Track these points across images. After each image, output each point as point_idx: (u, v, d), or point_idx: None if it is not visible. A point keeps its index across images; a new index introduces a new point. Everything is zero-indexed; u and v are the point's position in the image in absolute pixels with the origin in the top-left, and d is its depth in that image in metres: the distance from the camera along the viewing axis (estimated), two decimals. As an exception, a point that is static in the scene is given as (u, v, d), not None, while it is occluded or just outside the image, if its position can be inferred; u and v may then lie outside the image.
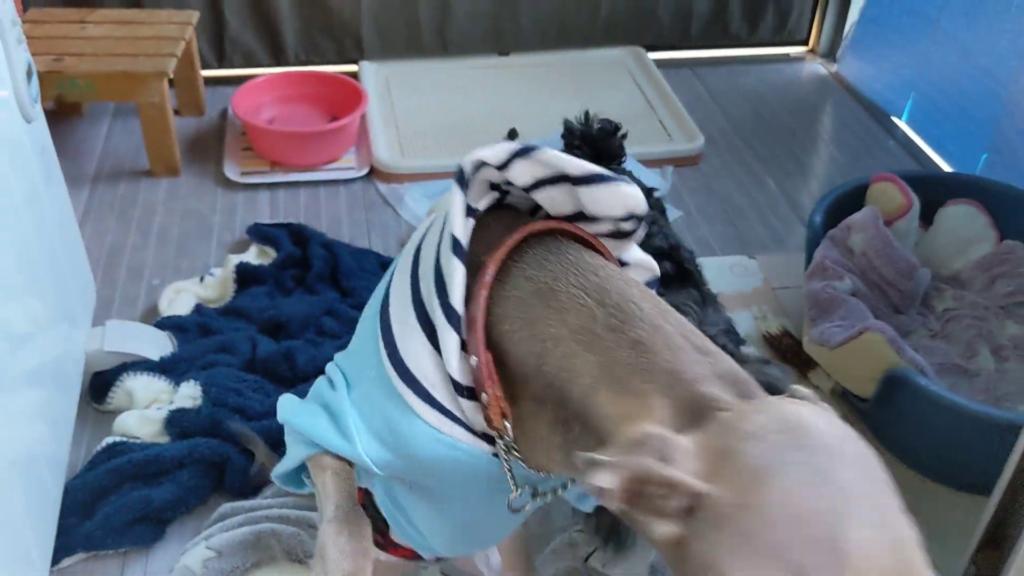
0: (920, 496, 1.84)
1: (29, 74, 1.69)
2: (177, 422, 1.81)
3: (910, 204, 2.16)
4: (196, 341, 2.03)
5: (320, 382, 0.94)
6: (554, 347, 0.72)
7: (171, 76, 2.57)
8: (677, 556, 0.58)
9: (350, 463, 0.89)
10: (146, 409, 1.88)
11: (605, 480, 0.58)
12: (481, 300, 0.76)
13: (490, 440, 0.80)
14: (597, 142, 1.78)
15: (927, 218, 2.27)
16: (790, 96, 3.32)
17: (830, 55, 3.53)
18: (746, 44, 3.54)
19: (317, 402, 0.92)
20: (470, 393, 0.78)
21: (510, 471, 0.80)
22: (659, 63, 3.32)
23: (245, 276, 2.22)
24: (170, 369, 1.94)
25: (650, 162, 2.81)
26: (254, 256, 2.34)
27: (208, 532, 1.65)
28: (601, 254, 0.81)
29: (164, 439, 1.82)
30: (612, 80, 3.26)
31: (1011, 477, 0.99)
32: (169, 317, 2.11)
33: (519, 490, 0.82)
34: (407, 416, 0.82)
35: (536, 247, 0.79)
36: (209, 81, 3.07)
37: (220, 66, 3.15)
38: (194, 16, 2.81)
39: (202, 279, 2.27)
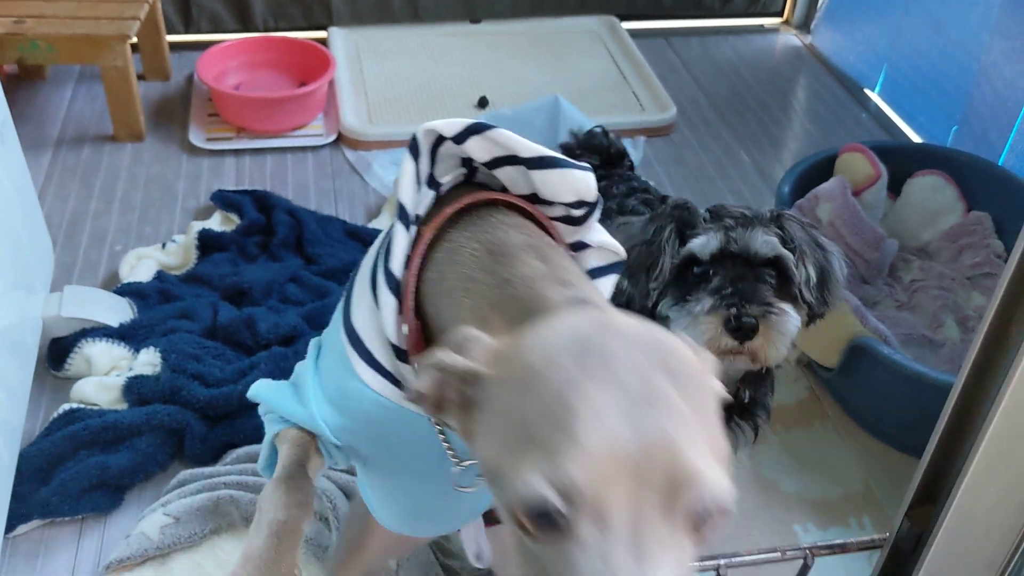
0: (884, 464, 1.85)
1: (-20, 32, 1.64)
2: (135, 389, 1.79)
3: (878, 175, 2.16)
4: (156, 307, 2.00)
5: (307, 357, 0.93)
6: (448, 300, 0.73)
7: (134, 40, 2.52)
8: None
9: (312, 436, 0.87)
10: (104, 376, 1.85)
11: (420, 384, 0.59)
12: (412, 266, 0.76)
13: None
14: (598, 146, 1.83)
15: (895, 189, 2.27)
16: (764, 67, 3.30)
17: (804, 27, 3.51)
18: (720, 15, 3.52)
19: (293, 378, 0.92)
20: (405, 357, 0.78)
21: (445, 440, 0.78)
22: (632, 32, 3.30)
23: (208, 243, 2.19)
24: (129, 336, 1.91)
25: (622, 132, 2.76)
26: (217, 223, 2.30)
27: (166, 499, 1.63)
28: (542, 227, 0.80)
29: (122, 406, 1.79)
30: (585, 49, 3.23)
31: (943, 432, 0.99)
32: (129, 283, 2.08)
33: (463, 463, 0.79)
34: (351, 377, 0.81)
35: (474, 216, 0.78)
36: (175, 47, 3.01)
37: (187, 31, 3.10)
38: (159, -22, 2.75)
39: (164, 245, 2.24)
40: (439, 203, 0.81)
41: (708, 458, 0.49)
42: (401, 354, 0.78)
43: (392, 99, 2.87)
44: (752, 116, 3.02)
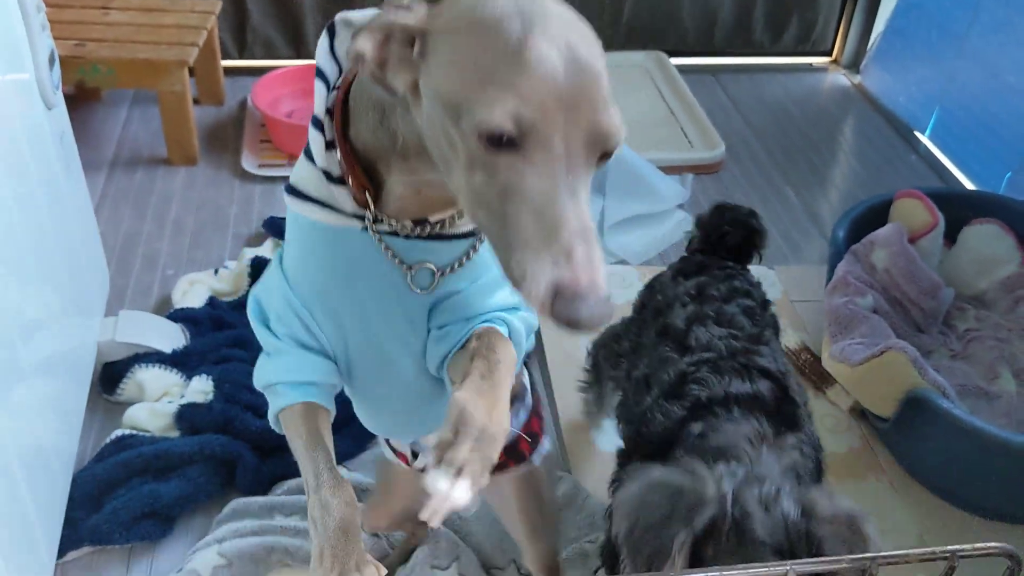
0: (940, 519, 1.81)
1: (52, 60, 1.67)
2: (188, 417, 1.79)
3: (936, 222, 2.14)
4: (209, 334, 2.01)
5: None
6: (364, 118, 0.81)
7: (192, 65, 2.55)
8: (416, 106, 0.71)
9: (316, 421, 0.91)
10: (156, 402, 1.86)
11: (361, 45, 0.68)
12: (337, 106, 0.83)
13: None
14: (746, 224, 1.63)
15: (950, 236, 2.24)
16: (812, 106, 3.29)
17: (854, 66, 3.50)
18: (769, 53, 3.52)
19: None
20: (341, 181, 0.84)
21: (382, 241, 0.85)
22: (681, 68, 3.29)
23: (260, 270, 2.20)
24: (182, 362, 1.92)
25: (670, 169, 2.78)
26: (269, 250, 2.32)
27: (219, 534, 1.62)
28: None
29: (174, 433, 1.80)
30: (634, 84, 3.23)
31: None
32: (182, 309, 2.09)
33: (411, 270, 0.87)
34: (292, 218, 0.90)
35: None
36: (229, 71, 3.05)
37: (240, 56, 3.13)
38: (217, 5, 2.79)
39: (216, 271, 2.26)
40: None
41: (616, 112, 0.67)
42: (332, 178, 0.85)
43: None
44: (800, 155, 3.01)
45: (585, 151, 0.65)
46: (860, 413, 2.00)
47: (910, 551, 0.74)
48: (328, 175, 0.85)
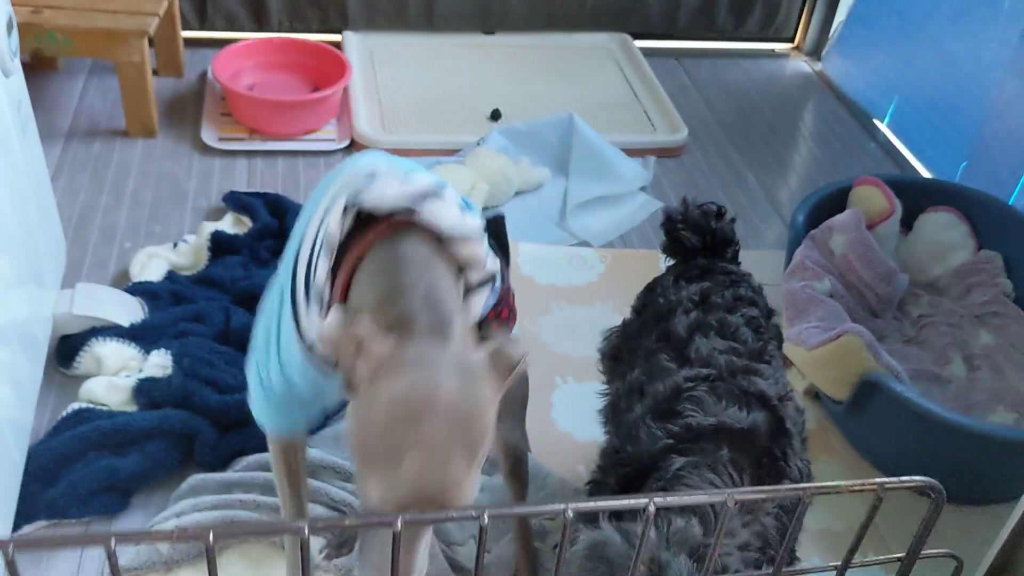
0: (888, 499, 1.85)
1: (10, 27, 1.64)
2: (146, 391, 1.78)
3: (893, 209, 2.17)
4: (168, 308, 1.99)
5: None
6: (362, 292, 0.95)
7: (151, 35, 2.50)
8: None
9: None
10: (114, 376, 1.84)
11: (328, 327, 0.83)
12: (342, 276, 0.97)
13: None
14: (702, 226, 1.59)
15: (907, 223, 2.29)
16: (774, 92, 3.32)
17: (815, 53, 3.53)
18: (732, 37, 3.54)
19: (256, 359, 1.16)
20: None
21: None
22: (645, 51, 3.31)
23: (220, 245, 2.18)
24: (140, 336, 1.90)
25: (633, 151, 2.79)
26: (229, 225, 2.30)
27: (179, 508, 1.62)
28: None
29: (132, 408, 1.78)
30: (597, 66, 3.23)
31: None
32: (141, 283, 2.07)
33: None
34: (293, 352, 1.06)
35: (389, 238, 0.97)
36: (189, 42, 3.00)
37: (201, 28, 3.08)
38: (177, -25, 2.74)
39: (175, 245, 2.23)
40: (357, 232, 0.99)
41: (466, 488, 0.81)
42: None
43: (406, 107, 2.87)
44: (761, 140, 3.04)
45: (466, 461, 0.80)
46: (815, 395, 2.04)
47: (840, 483, 0.77)
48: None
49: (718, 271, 1.53)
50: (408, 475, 0.78)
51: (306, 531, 0.64)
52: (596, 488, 1.40)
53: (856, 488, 0.76)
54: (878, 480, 0.76)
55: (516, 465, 1.46)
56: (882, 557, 0.84)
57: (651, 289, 1.59)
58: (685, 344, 1.37)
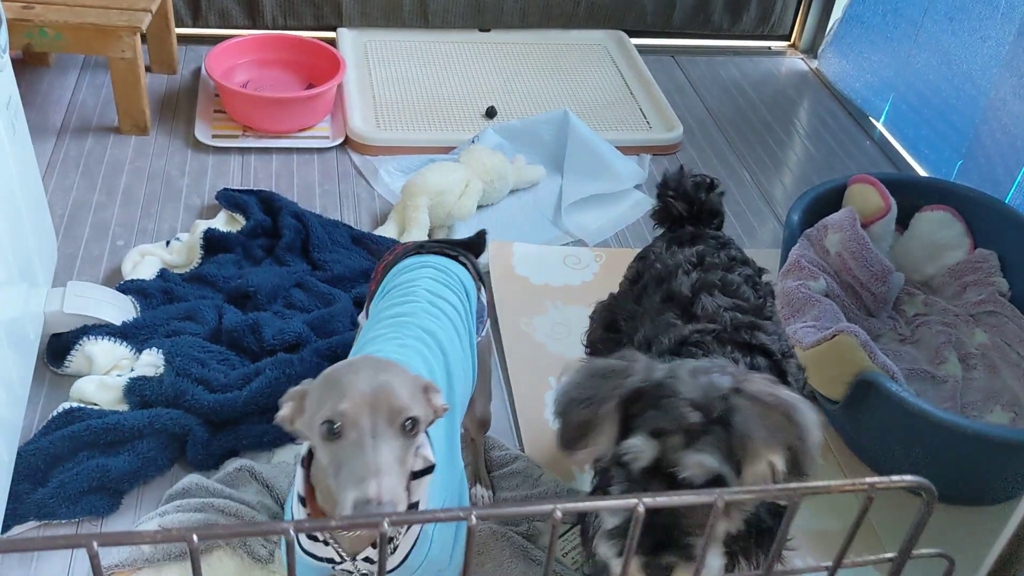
0: (884, 499, 1.85)
1: (-1, 22, 1.62)
2: (138, 390, 1.76)
3: (888, 207, 2.17)
4: (160, 307, 1.98)
5: None
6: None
7: (144, 32, 2.49)
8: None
9: None
10: (105, 375, 1.83)
11: (283, 411, 1.05)
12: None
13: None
14: (691, 197, 1.63)
15: (902, 222, 2.28)
16: (769, 90, 3.31)
17: (811, 51, 3.52)
18: (728, 35, 3.53)
19: None
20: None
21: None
22: (640, 49, 3.30)
23: (213, 243, 2.16)
24: (132, 335, 1.89)
25: (628, 149, 2.78)
26: (223, 223, 2.28)
27: (163, 509, 1.61)
28: None
29: (123, 407, 1.77)
30: (593, 63, 3.22)
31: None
32: (133, 281, 2.05)
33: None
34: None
35: None
36: (182, 39, 2.99)
37: (194, 24, 3.07)
38: (170, -29, 2.73)
39: (168, 243, 2.22)
40: None
41: (407, 399, 1.01)
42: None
43: (400, 104, 2.86)
44: (756, 138, 3.03)
45: (386, 423, 0.99)
46: (810, 396, 2.03)
47: (831, 483, 0.75)
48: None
49: (708, 236, 1.58)
50: (350, 386, 0.99)
51: (292, 531, 0.63)
52: None
53: (847, 488, 0.75)
54: (868, 480, 0.75)
55: (479, 431, 1.70)
56: (872, 557, 0.83)
57: (643, 257, 1.62)
58: (691, 302, 1.40)
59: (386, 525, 0.65)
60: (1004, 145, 2.48)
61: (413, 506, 1.12)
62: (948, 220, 2.24)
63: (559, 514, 0.67)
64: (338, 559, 1.18)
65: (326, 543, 1.17)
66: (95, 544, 0.61)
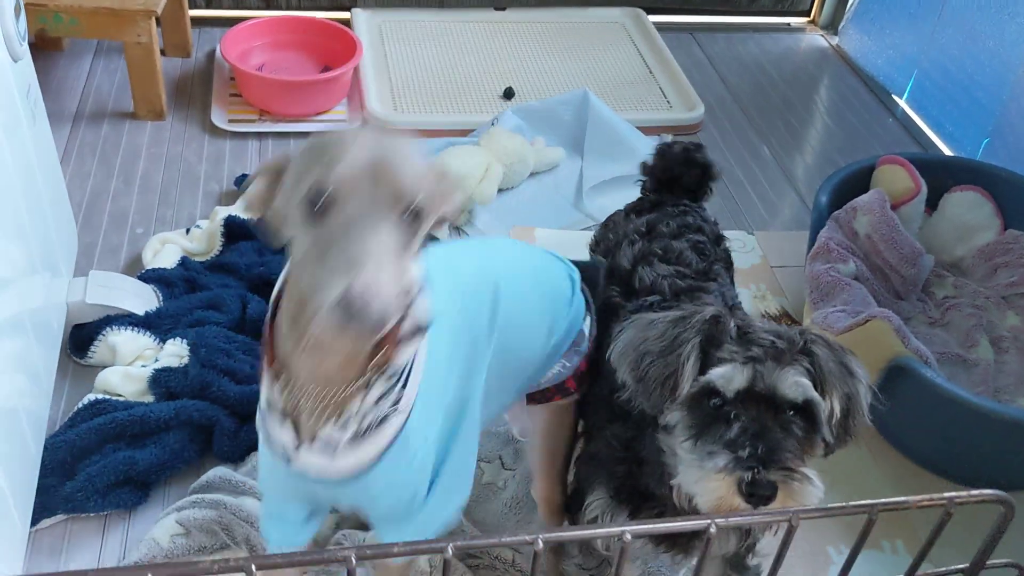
0: (917, 487, 1.83)
1: (18, 11, 1.59)
2: (163, 381, 1.75)
3: (918, 189, 2.13)
4: (183, 296, 1.96)
5: None
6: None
7: (159, 15, 2.46)
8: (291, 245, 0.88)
9: None
10: (130, 366, 1.81)
11: (254, 185, 0.89)
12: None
13: None
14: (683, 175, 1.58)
15: (931, 203, 2.24)
16: (789, 67, 3.27)
17: (832, 27, 3.47)
18: (747, 11, 3.48)
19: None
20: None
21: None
22: (659, 26, 3.25)
23: (233, 230, 2.14)
24: (155, 325, 1.87)
25: (649, 129, 2.75)
26: (242, 209, 2.25)
27: (180, 504, 1.60)
28: None
29: (148, 398, 1.75)
30: (611, 41, 3.18)
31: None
32: (154, 269, 2.04)
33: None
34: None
35: None
36: (196, 21, 2.95)
37: (208, 6, 3.03)
38: (184, -48, 2.69)
39: (188, 231, 2.20)
40: None
41: (412, 178, 0.81)
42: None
43: (417, 86, 2.83)
44: (778, 116, 2.99)
45: (385, 204, 0.79)
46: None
47: (909, 498, 0.73)
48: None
49: (669, 203, 1.53)
50: (343, 152, 0.80)
51: (353, 559, 0.61)
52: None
53: (926, 503, 0.72)
54: (947, 495, 0.73)
55: (550, 517, 1.50)
56: (943, 569, 0.81)
57: (605, 226, 1.59)
58: (629, 276, 1.37)
59: (450, 551, 0.63)
60: (1034, 123, 2.44)
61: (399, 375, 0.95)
62: (978, 200, 2.20)
63: (540, 545, 0.65)
64: (292, 445, 0.98)
65: (284, 415, 0.97)
66: None
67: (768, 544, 1.57)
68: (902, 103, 3.06)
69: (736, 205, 2.56)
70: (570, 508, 1.39)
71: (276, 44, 2.80)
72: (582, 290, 1.34)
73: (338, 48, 2.73)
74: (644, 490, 1.21)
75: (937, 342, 2.05)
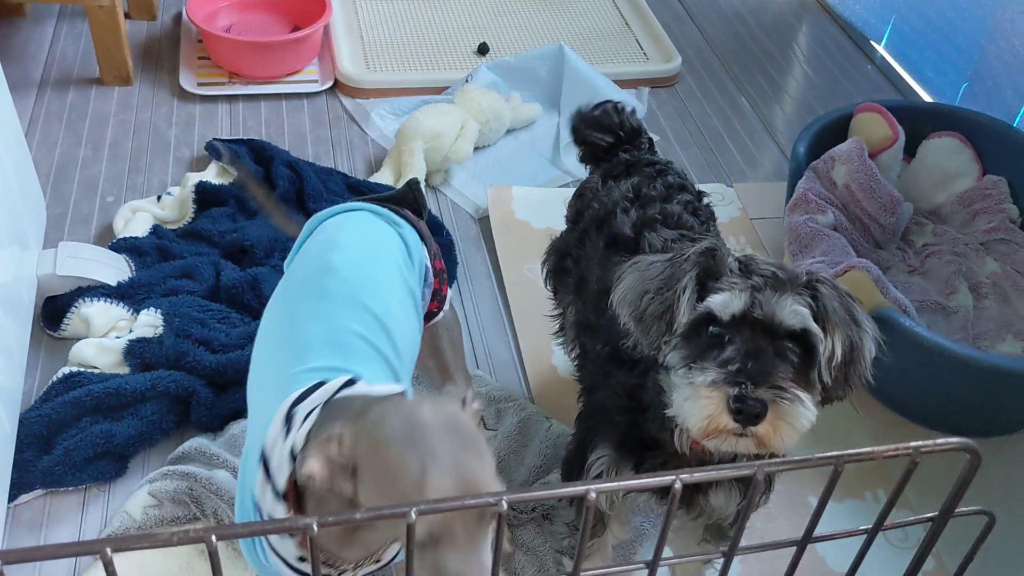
0: (897, 437, 1.83)
1: (-30, -24, 1.54)
2: (138, 352, 1.73)
3: (896, 136, 2.11)
4: (155, 265, 1.93)
5: None
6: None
7: (122, -23, 2.40)
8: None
9: None
10: (103, 337, 1.79)
11: (312, 466, 0.86)
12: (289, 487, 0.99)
13: None
14: (608, 124, 1.60)
15: (909, 150, 2.23)
16: (768, 16, 3.23)
17: (809, -27, 3.42)
18: (723, -41, 3.42)
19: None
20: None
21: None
22: (634, -24, 3.19)
23: (205, 196, 2.11)
24: (128, 295, 1.85)
25: (625, 83, 2.71)
26: (214, 174, 2.22)
27: (152, 476, 1.59)
28: None
29: (124, 370, 1.73)
30: (586, -7, 3.13)
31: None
32: (126, 238, 2.00)
33: None
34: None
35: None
36: (161, -18, 2.89)
37: (173, -34, 2.96)
38: (145, -89, 2.62)
39: (159, 198, 2.16)
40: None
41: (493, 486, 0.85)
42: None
43: (389, 44, 2.78)
44: (756, 66, 2.96)
45: (477, 525, 0.83)
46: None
47: (874, 448, 0.73)
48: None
49: (643, 163, 1.53)
50: (436, 488, 0.82)
51: (315, 527, 0.60)
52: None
53: (891, 454, 0.72)
54: (912, 444, 0.72)
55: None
56: (913, 517, 0.80)
57: (580, 195, 1.57)
58: (635, 242, 1.37)
59: (413, 515, 0.62)
60: (1013, 67, 2.42)
61: None
62: (956, 147, 2.19)
63: (504, 506, 0.64)
64: None
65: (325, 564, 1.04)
66: (109, 551, 0.58)
67: (757, 516, 1.59)
68: (881, 49, 3.04)
69: (715, 157, 2.54)
70: (571, 467, 1.38)
71: (244, 4, 2.74)
72: (408, 222, 1.33)
73: (307, 7, 2.68)
74: (647, 440, 1.21)
75: (917, 290, 2.04)
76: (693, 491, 1.22)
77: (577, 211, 1.56)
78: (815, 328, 1.05)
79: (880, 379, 1.87)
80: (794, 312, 1.03)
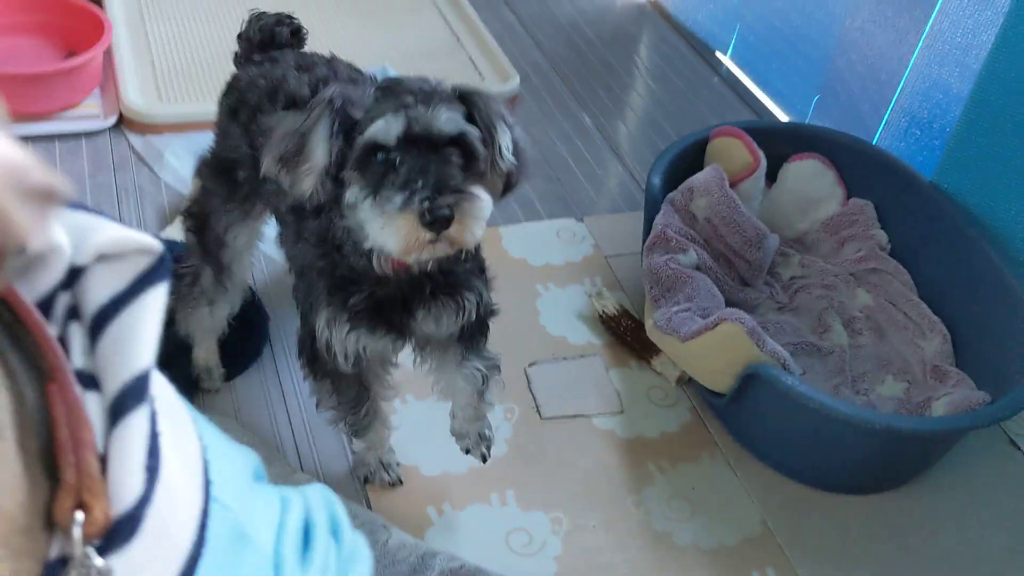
0: (781, 499, 1.63)
1: None
2: None
3: (757, 163, 1.92)
4: None
5: None
6: None
7: None
8: None
9: None
10: None
11: None
12: None
13: None
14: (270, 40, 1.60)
15: (769, 174, 2.04)
16: (607, 27, 3.03)
17: (647, -19, 3.25)
18: (557, -33, 3.21)
19: None
20: None
21: None
22: (463, -13, 2.94)
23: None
24: None
25: (459, 105, 2.45)
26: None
27: None
28: None
29: None
30: (411, 7, 2.85)
31: None
32: None
33: None
34: None
35: None
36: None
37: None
38: None
39: None
40: None
41: None
42: None
43: (185, 70, 2.42)
44: (597, 80, 2.75)
45: None
46: (688, 381, 1.79)
47: None
48: None
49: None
50: None
51: None
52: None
53: None
54: None
55: None
56: None
57: (233, 89, 1.53)
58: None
59: None
60: (867, 79, 2.28)
61: None
62: (819, 169, 2.02)
63: None
64: None
65: None
66: None
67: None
68: (726, 60, 2.88)
69: (562, 188, 2.30)
70: (306, 346, 1.35)
71: (8, 27, 2.33)
72: None
73: (85, 29, 2.29)
74: (351, 275, 1.24)
75: (789, 330, 1.85)
76: (401, 314, 1.26)
77: (234, 106, 1.50)
78: (470, 128, 1.13)
79: (757, 437, 1.68)
80: (449, 120, 1.11)
